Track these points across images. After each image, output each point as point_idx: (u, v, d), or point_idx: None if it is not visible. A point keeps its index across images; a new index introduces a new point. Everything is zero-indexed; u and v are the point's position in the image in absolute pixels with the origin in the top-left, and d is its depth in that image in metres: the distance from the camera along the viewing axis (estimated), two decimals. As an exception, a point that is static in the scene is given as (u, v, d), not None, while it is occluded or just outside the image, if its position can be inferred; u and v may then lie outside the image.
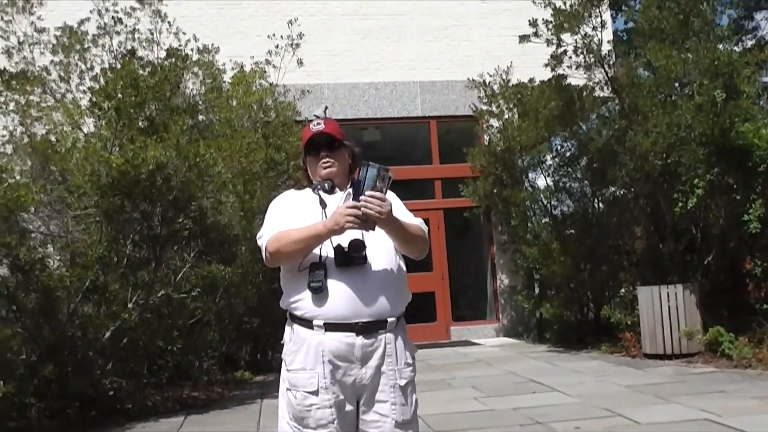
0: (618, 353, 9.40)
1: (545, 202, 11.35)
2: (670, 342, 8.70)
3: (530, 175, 11.74)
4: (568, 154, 11.13)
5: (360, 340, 2.52)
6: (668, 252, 9.50)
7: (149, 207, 7.10)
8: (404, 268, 2.69)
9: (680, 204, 8.75)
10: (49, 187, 7.30)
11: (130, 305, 6.88)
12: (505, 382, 7.91)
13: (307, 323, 2.55)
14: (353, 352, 2.52)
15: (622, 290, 10.69)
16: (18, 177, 7.28)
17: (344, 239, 2.53)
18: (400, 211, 2.71)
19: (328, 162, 2.72)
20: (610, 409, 6.10)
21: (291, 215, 2.64)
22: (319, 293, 2.51)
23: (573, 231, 10.98)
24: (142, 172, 6.68)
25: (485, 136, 12.16)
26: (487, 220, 12.74)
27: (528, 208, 11.42)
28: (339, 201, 2.65)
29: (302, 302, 2.55)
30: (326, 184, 2.71)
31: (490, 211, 12.33)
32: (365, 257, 2.52)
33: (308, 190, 2.77)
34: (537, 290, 11.95)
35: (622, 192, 10.61)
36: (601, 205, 10.99)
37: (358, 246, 2.52)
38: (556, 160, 11.23)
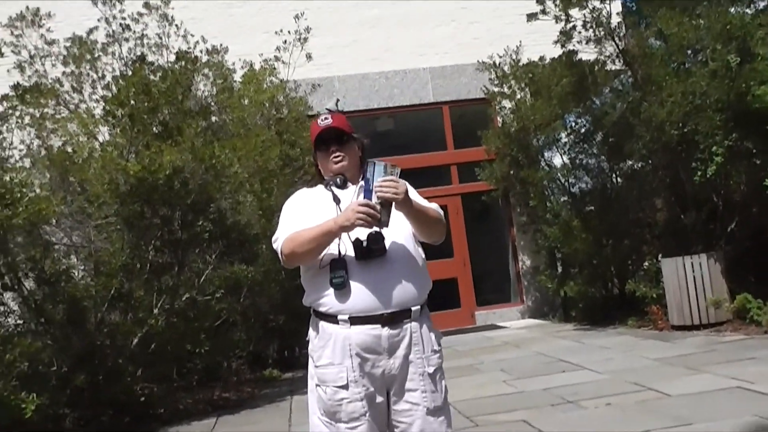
0: (645, 327, 9.35)
1: (563, 180, 11.29)
2: (698, 312, 8.64)
3: (546, 153, 11.66)
4: (583, 130, 11.05)
5: (386, 331, 2.53)
6: (690, 222, 9.42)
7: (169, 211, 7.14)
8: (423, 255, 2.70)
9: (699, 173, 8.66)
10: (69, 199, 7.36)
11: (155, 311, 6.94)
12: (533, 363, 7.90)
13: (332, 318, 2.57)
14: (380, 344, 2.53)
15: (646, 263, 10.62)
16: (38, 190, 7.34)
17: (362, 232, 2.54)
18: (415, 196, 2.73)
19: (338, 156, 2.73)
20: (640, 383, 6.08)
21: (305, 214, 2.65)
22: (342, 289, 2.52)
23: (593, 207, 10.91)
24: (160, 178, 6.71)
25: (498, 118, 12.09)
26: (505, 203, 12.69)
27: (546, 187, 11.37)
28: (352, 195, 2.66)
29: (326, 298, 2.57)
30: (338, 179, 2.72)
31: (508, 193, 12.28)
32: (384, 248, 2.54)
33: (321, 187, 2.77)
34: (560, 269, 11.90)
35: (639, 165, 10.50)
36: (619, 179, 10.90)
37: (376, 238, 2.53)
38: (572, 137, 11.15)
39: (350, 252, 2.54)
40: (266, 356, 9.52)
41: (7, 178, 6.37)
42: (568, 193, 11.31)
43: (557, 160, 11.47)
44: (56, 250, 6.99)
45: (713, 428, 4.58)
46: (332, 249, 2.56)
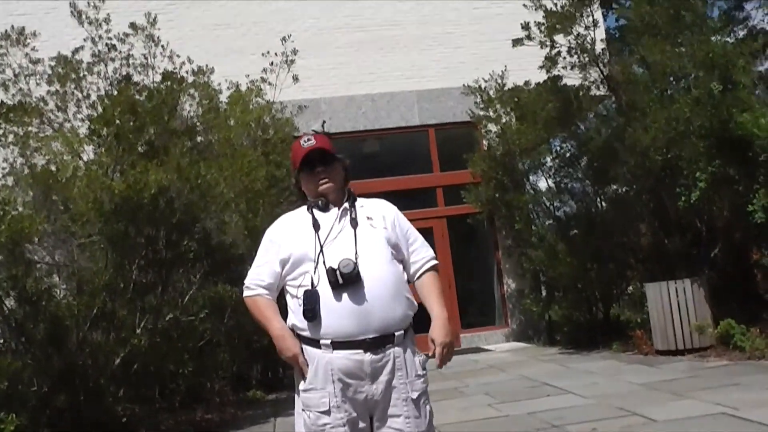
0: (629, 351, 9.36)
1: (548, 204, 11.34)
2: (681, 337, 8.66)
3: (531, 177, 11.74)
4: (568, 154, 11.12)
5: (368, 357, 2.52)
6: (674, 247, 9.47)
7: (153, 231, 7.09)
8: (404, 277, 2.71)
9: (683, 198, 8.73)
10: (52, 217, 7.29)
11: (138, 330, 6.86)
12: (518, 386, 7.88)
13: (314, 342, 2.55)
14: (362, 369, 2.52)
15: (630, 288, 10.66)
16: (21, 208, 7.27)
17: (334, 260, 2.54)
18: (411, 233, 2.81)
19: (325, 179, 2.73)
20: (625, 408, 6.07)
21: (282, 248, 2.67)
22: (313, 320, 2.53)
23: (577, 231, 10.95)
24: (145, 197, 6.67)
25: (484, 142, 12.16)
26: (490, 226, 12.71)
27: (531, 210, 11.42)
28: (333, 219, 2.65)
29: (306, 323, 2.57)
30: (320, 202, 2.71)
31: (493, 216, 12.31)
32: (358, 275, 2.52)
33: (303, 209, 2.77)
34: (544, 293, 11.91)
35: (624, 189, 10.59)
36: (603, 203, 10.97)
37: (348, 265, 2.52)
38: (557, 161, 11.23)
39: (324, 281, 2.53)
40: (250, 377, 9.43)
41: (-10, 196, 6.32)
42: (553, 217, 11.36)
43: (542, 184, 11.55)
44: (38, 269, 6.91)
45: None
46: (305, 280, 2.56)
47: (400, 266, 2.70)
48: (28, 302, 6.27)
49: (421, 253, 2.82)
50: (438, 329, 2.67)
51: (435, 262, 2.85)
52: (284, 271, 2.66)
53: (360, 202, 2.78)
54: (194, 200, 7.30)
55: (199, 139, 9.27)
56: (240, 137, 9.59)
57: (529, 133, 10.77)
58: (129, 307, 6.94)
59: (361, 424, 2.55)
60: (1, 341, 6.52)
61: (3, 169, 8.61)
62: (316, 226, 2.64)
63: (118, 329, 6.80)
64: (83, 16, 9.44)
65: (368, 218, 2.71)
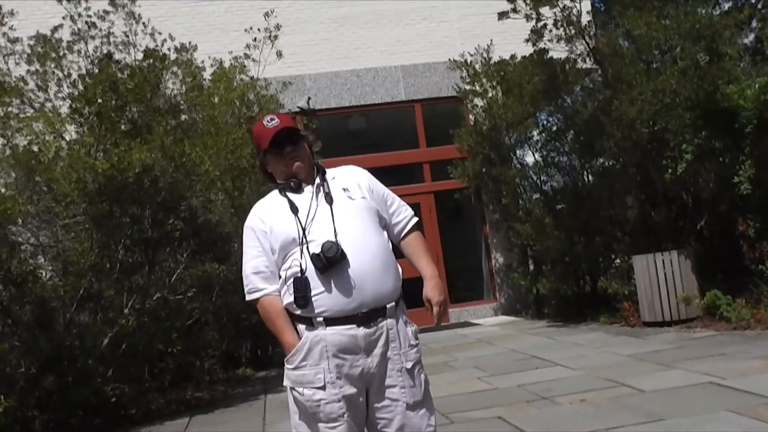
0: (617, 323, 9.42)
1: (535, 178, 11.34)
2: (668, 309, 8.72)
3: (518, 152, 11.74)
4: (554, 128, 11.11)
5: (362, 331, 2.52)
6: (661, 219, 9.51)
7: (138, 210, 7.03)
8: (390, 246, 2.69)
9: (669, 170, 8.73)
10: (35, 198, 7.22)
11: (126, 311, 6.83)
12: (507, 360, 7.92)
13: (307, 320, 2.54)
14: (357, 344, 2.52)
15: (617, 260, 10.70)
16: (3, 190, 7.20)
17: (318, 241, 2.52)
18: (387, 195, 2.80)
19: (295, 158, 2.68)
20: (613, 379, 6.11)
21: (268, 236, 2.62)
22: (304, 307, 2.52)
23: (564, 205, 10.97)
24: (129, 176, 6.61)
25: (470, 116, 12.12)
26: (478, 200, 12.72)
27: (518, 185, 11.42)
28: (309, 199, 2.62)
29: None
30: (292, 183, 2.67)
31: (480, 191, 12.31)
32: (342, 254, 2.50)
33: (275, 194, 2.71)
34: (532, 267, 11.96)
35: (610, 162, 10.59)
36: (590, 177, 10.98)
37: (330, 248, 2.49)
38: (543, 135, 11.21)
39: (311, 266, 2.51)
40: (239, 355, 9.44)
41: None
42: (540, 191, 11.36)
43: (529, 158, 11.55)
44: (23, 251, 6.85)
45: (687, 423, 4.61)
46: (294, 266, 2.54)
47: (385, 235, 2.68)
48: (13, 284, 6.22)
49: (402, 213, 2.81)
50: (432, 289, 2.69)
51: (416, 219, 2.85)
52: (275, 259, 2.63)
53: (330, 173, 2.74)
54: (179, 179, 7.24)
55: (183, 117, 9.19)
56: (224, 115, 9.49)
57: (515, 107, 10.74)
58: (116, 288, 6.91)
59: (358, 397, 2.56)
60: (-13, 324, 6.47)
61: (-16, 150, 8.50)
62: (294, 209, 2.60)
63: (106, 310, 6.77)
64: (62, -6, 9.29)
65: (344, 189, 2.67)
